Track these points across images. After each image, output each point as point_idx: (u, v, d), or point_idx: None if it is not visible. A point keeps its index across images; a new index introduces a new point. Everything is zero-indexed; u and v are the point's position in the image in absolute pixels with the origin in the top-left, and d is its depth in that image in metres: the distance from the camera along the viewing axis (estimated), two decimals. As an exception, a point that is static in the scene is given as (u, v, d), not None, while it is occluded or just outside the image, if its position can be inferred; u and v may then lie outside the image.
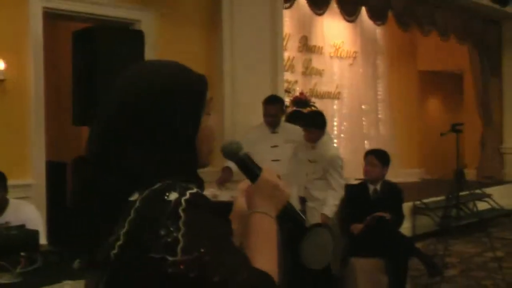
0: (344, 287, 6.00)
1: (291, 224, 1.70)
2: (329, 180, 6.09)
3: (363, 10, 10.55)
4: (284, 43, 10.47)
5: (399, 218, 6.04)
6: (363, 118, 12.50)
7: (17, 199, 4.92)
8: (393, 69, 13.11)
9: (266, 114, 6.27)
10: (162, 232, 1.34)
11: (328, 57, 11.78)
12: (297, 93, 9.85)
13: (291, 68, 10.97)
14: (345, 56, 12.08)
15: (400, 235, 5.92)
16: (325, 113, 11.10)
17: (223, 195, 6.09)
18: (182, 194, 1.38)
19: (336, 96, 11.85)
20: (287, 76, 10.64)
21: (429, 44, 13.13)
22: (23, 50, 5.91)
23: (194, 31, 7.44)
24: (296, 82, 10.97)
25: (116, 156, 1.45)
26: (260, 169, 1.64)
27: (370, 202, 6.08)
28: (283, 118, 6.58)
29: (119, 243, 1.38)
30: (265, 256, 1.50)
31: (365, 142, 12.27)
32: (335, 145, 6.15)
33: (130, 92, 1.49)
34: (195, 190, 1.42)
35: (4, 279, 3.69)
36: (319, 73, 11.57)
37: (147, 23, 6.83)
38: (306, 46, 11.34)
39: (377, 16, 10.29)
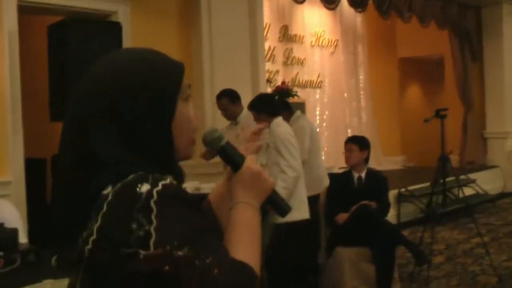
0: (330, 277, 5.95)
1: (276, 211, 1.66)
2: (279, 162, 5.53)
3: (343, -3, 10.49)
4: (265, 33, 10.42)
5: (385, 206, 5.99)
6: (345, 107, 12.47)
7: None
8: (373, 57, 13.09)
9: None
10: (134, 226, 1.29)
11: (309, 46, 11.74)
12: (279, 83, 9.77)
13: (272, 58, 10.92)
14: (326, 45, 12.05)
15: (386, 224, 5.86)
16: (307, 102, 11.21)
17: (206, 188, 6.03)
18: (154, 185, 1.32)
19: (318, 85, 11.82)
20: (268, 66, 10.59)
21: (409, 30, 13.10)
22: (-2, 44, 5.79)
23: (172, 22, 7.36)
24: (277, 72, 10.92)
25: (88, 149, 1.38)
26: (242, 158, 1.58)
27: (355, 191, 6.03)
28: (245, 109, 6.49)
29: (92, 238, 1.32)
30: (246, 247, 1.45)
31: (348, 130, 12.25)
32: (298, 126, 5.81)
33: (101, 82, 1.42)
34: (168, 181, 1.35)
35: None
36: (301, 62, 11.53)
37: (124, 14, 6.74)
38: (287, 36, 11.29)
39: (357, 4, 10.22)
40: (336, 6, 9.95)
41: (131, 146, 1.39)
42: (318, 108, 11.83)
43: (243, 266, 1.38)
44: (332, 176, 6.69)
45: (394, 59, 13.95)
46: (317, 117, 11.75)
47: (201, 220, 1.38)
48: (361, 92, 12.84)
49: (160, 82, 1.43)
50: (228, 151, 1.60)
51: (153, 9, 7.13)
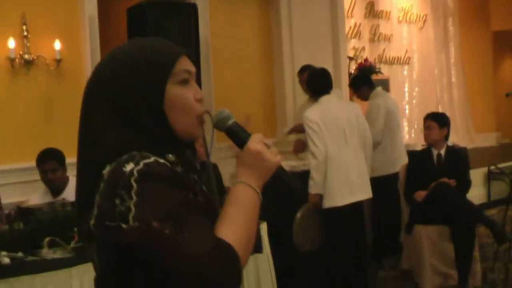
0: (409, 255, 5.89)
1: (287, 191, 1.66)
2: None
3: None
4: (350, 9, 10.33)
5: (465, 184, 5.86)
6: (436, 83, 12.20)
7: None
8: (465, 31, 12.71)
9: None
10: (117, 201, 1.40)
11: (396, 22, 11.52)
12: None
13: (358, 35, 10.80)
14: (414, 20, 11.79)
15: (466, 202, 5.73)
16: (395, 79, 11.04)
17: (285, 165, 6.06)
18: (136, 164, 1.42)
19: (406, 61, 11.60)
20: (354, 43, 10.52)
21: (504, 2, 12.62)
22: (79, 29, 5.99)
23: (250, 3, 7.38)
24: (363, 48, 10.80)
25: (91, 131, 1.53)
26: (248, 138, 1.60)
27: (434, 168, 5.92)
28: None
29: (94, 213, 1.45)
30: (236, 226, 1.48)
31: (439, 107, 11.97)
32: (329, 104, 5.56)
33: (101, 68, 1.59)
34: (151, 159, 1.45)
35: (58, 254, 3.77)
36: (387, 38, 11.34)
37: (201, -3, 6.80)
38: (373, 12, 11.12)
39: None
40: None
41: (129, 128, 1.51)
42: (406, 85, 11.62)
43: (222, 244, 1.42)
44: (411, 153, 6.58)
45: (487, 32, 13.47)
46: (406, 94, 11.56)
47: (182, 197, 1.44)
48: (452, 68, 12.52)
49: (147, 68, 1.53)
50: (234, 130, 1.63)
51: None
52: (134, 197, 1.39)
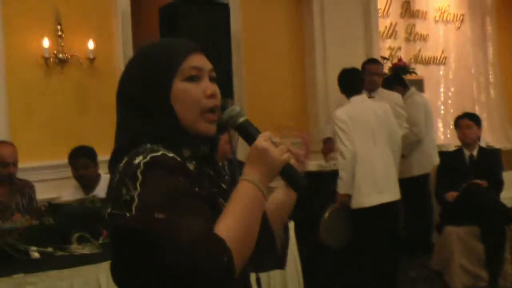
0: (440, 255, 5.87)
1: (292, 188, 1.66)
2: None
3: (468, -31, 10.14)
4: (386, 9, 10.26)
5: (497, 185, 5.81)
6: (472, 82, 12.04)
7: (108, 174, 5.09)
8: (503, 29, 12.51)
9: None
10: (124, 191, 1.50)
11: (432, 21, 11.39)
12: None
13: (394, 34, 10.71)
14: (451, 20, 11.64)
15: (498, 203, 5.68)
16: (430, 79, 10.95)
17: (312, 165, 6.08)
18: (144, 157, 1.51)
19: (442, 61, 11.46)
20: (390, 42, 10.43)
21: (543, 1, 12.41)
22: (112, 29, 6.07)
23: (283, 1, 7.39)
24: (399, 48, 10.71)
25: (116, 126, 1.68)
26: (258, 134, 1.62)
27: (466, 169, 5.89)
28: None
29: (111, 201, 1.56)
30: (232, 221, 1.51)
31: (476, 107, 11.82)
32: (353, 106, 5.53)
33: (123, 71, 1.72)
34: (159, 153, 1.53)
35: (86, 249, 3.84)
36: (423, 38, 11.21)
37: (235, -5, 6.84)
38: (409, 11, 11.02)
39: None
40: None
41: (143, 122, 1.62)
42: (442, 85, 11.50)
43: (212, 236, 1.46)
44: (443, 154, 6.56)
45: (526, 32, 13.26)
46: (442, 94, 11.43)
47: (182, 187, 1.50)
48: (490, 67, 12.33)
49: (156, 65, 1.63)
50: (244, 128, 1.64)
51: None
52: (138, 188, 1.48)
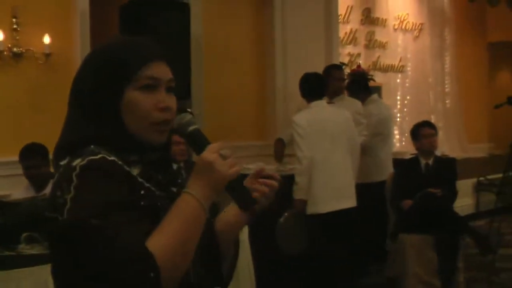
0: (394, 263, 5.88)
1: (238, 205, 1.61)
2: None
3: (428, -21, 10.25)
4: (346, 15, 10.31)
5: (452, 194, 5.86)
6: (429, 91, 12.19)
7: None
8: (461, 40, 12.68)
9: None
10: (58, 194, 1.46)
11: (392, 30, 11.50)
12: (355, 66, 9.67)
13: (354, 41, 10.77)
14: (410, 28, 11.77)
15: (452, 212, 5.73)
16: (388, 86, 11.03)
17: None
18: (82, 160, 1.47)
19: (400, 69, 11.58)
20: (350, 49, 10.49)
21: (500, 14, 12.61)
22: (70, 24, 5.93)
23: (244, 4, 7.37)
24: (358, 55, 10.78)
25: (64, 124, 1.62)
26: (207, 145, 1.56)
27: (422, 177, 5.92)
28: None
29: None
30: (166, 235, 1.46)
31: (431, 116, 11.95)
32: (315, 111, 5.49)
33: (78, 69, 1.65)
34: (98, 156, 1.48)
35: (35, 250, 3.74)
36: (383, 45, 11.31)
37: (195, -5, 6.77)
38: (369, 18, 11.10)
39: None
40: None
41: (89, 124, 1.56)
42: (399, 93, 11.61)
43: (141, 251, 1.41)
44: (398, 162, 6.59)
45: (483, 43, 13.45)
46: (398, 102, 11.55)
47: (117, 196, 1.45)
48: (447, 77, 12.50)
49: (109, 70, 1.56)
50: (194, 137, 1.59)
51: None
52: (72, 191, 1.43)
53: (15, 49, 5.59)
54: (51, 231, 1.49)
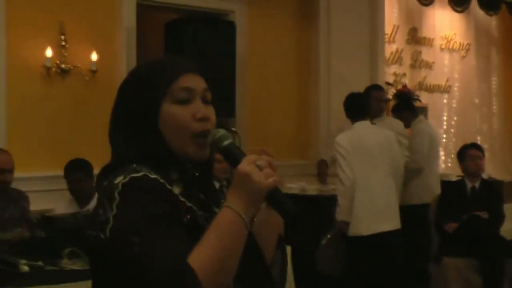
0: (436, 286, 5.78)
1: (279, 214, 1.57)
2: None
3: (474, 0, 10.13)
4: (392, 35, 10.24)
5: (498, 218, 5.73)
6: (475, 113, 12.02)
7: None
8: (509, 61, 12.50)
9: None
10: (100, 212, 1.47)
11: (438, 49, 11.39)
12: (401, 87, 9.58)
13: (399, 61, 10.68)
14: (457, 48, 11.63)
15: (497, 236, 5.61)
16: (434, 107, 10.91)
17: (312, 189, 6.04)
18: (124, 177, 1.48)
19: (446, 89, 11.44)
20: (395, 68, 10.40)
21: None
22: (116, 41, 6.04)
23: (288, 22, 7.39)
24: (404, 74, 10.68)
25: (109, 142, 1.65)
26: (243, 158, 1.53)
27: (468, 200, 5.81)
28: None
29: None
30: (207, 249, 1.45)
31: (478, 137, 11.78)
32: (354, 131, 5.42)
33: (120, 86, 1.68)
34: (140, 174, 1.50)
35: (77, 265, 3.76)
36: (429, 65, 11.20)
37: (240, 13, 6.82)
38: (416, 38, 11.00)
39: (488, 6, 9.81)
40: (464, 9, 9.61)
41: (134, 142, 1.58)
42: (445, 114, 11.46)
43: (183, 267, 1.40)
44: (444, 183, 6.48)
45: (532, 63, 13.24)
46: (444, 123, 11.40)
47: (159, 213, 1.45)
48: (494, 98, 12.32)
49: (144, 88, 1.59)
50: (229, 151, 1.57)
51: (270, 8, 7.17)
52: (114, 209, 1.45)
53: (62, 66, 5.69)
54: (93, 248, 1.50)
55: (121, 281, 1.44)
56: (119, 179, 1.48)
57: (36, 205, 5.03)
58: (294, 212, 1.55)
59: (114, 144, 1.63)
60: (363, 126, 5.43)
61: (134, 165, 1.53)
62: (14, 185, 4.88)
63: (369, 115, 5.68)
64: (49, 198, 5.28)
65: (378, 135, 5.47)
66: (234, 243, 1.48)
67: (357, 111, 5.49)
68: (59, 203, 5.03)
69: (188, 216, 1.54)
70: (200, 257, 1.42)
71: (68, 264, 3.75)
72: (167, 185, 1.54)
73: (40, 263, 3.70)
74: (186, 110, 1.57)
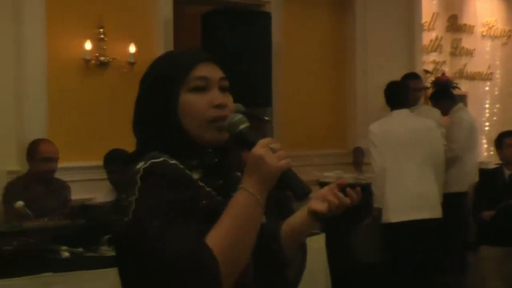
0: (474, 275, 5.77)
1: (293, 194, 1.62)
2: None
3: (516, -15, 10.01)
4: (432, 22, 10.15)
5: (536, 206, 5.68)
6: (517, 100, 11.85)
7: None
8: (552, 47, 12.30)
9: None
10: (123, 196, 1.54)
11: (479, 36, 11.25)
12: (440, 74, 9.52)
13: (439, 48, 10.59)
14: (498, 35, 11.49)
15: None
16: (475, 94, 10.80)
17: (347, 177, 6.06)
18: (145, 163, 1.55)
19: (488, 77, 11.30)
20: (434, 56, 10.31)
21: None
22: (154, 34, 6.13)
23: (324, 12, 7.40)
24: (444, 62, 10.59)
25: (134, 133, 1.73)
26: (258, 141, 1.59)
27: (505, 188, 5.76)
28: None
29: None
30: (223, 231, 1.51)
31: (520, 125, 11.62)
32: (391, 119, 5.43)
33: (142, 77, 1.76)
34: (160, 160, 1.57)
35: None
36: (469, 53, 11.08)
37: (276, 4, 6.85)
38: (456, 25, 10.89)
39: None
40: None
41: (153, 130, 1.66)
42: (487, 101, 11.33)
43: (201, 248, 1.46)
44: (482, 171, 6.44)
45: None
46: (486, 111, 11.27)
47: (177, 197, 1.51)
48: (537, 85, 12.13)
49: (162, 78, 1.66)
50: (244, 135, 1.62)
51: (306, -1, 7.21)
52: (136, 193, 1.51)
53: (101, 58, 5.81)
54: (116, 232, 1.56)
55: (143, 262, 1.49)
56: (140, 165, 1.55)
57: (77, 194, 5.16)
58: (307, 193, 1.60)
59: (137, 133, 1.71)
60: (400, 115, 5.40)
61: (157, 152, 1.60)
62: (55, 174, 5.01)
63: (407, 104, 5.64)
64: (90, 188, 5.41)
65: (415, 124, 5.44)
66: (249, 223, 1.54)
67: (395, 100, 5.48)
68: (99, 193, 5.15)
69: (206, 201, 1.59)
70: (217, 237, 1.49)
71: (107, 250, 3.84)
72: (186, 171, 1.61)
73: (80, 249, 3.82)
74: (203, 98, 1.64)
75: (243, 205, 1.54)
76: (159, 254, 1.45)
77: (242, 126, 1.63)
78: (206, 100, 1.64)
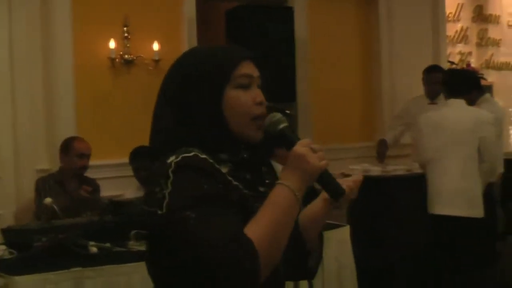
0: (503, 266, 5.74)
1: (329, 194, 1.68)
2: None
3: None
4: (457, 13, 10.08)
5: None
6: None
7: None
8: None
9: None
10: (157, 189, 1.57)
11: (505, 26, 11.15)
12: (472, 65, 9.46)
13: (465, 39, 10.51)
14: (525, 24, 11.37)
15: None
16: (503, 85, 10.70)
17: (375, 171, 6.06)
18: (177, 157, 1.59)
19: (515, 66, 11.21)
20: (460, 47, 10.23)
21: None
22: (177, 30, 6.16)
23: (348, 4, 7.37)
24: (470, 53, 10.51)
25: (154, 125, 1.77)
26: (297, 141, 1.65)
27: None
28: None
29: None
30: (262, 224, 1.55)
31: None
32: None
33: (167, 76, 1.79)
34: (191, 154, 1.60)
35: (143, 246, 3.86)
36: (496, 43, 10.98)
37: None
38: (481, 16, 10.80)
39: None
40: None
41: (184, 127, 1.68)
42: (516, 92, 11.23)
43: (241, 238, 1.49)
44: (508, 162, 6.39)
45: None
46: (514, 101, 11.17)
47: (210, 189, 1.55)
48: None
49: (209, 74, 1.69)
50: (284, 134, 1.68)
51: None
52: (169, 187, 1.55)
53: (126, 56, 5.88)
54: (149, 224, 1.62)
55: (177, 254, 1.54)
56: (172, 159, 1.59)
57: (106, 192, 5.23)
58: (341, 194, 1.68)
59: (163, 126, 1.72)
60: (453, 105, 5.19)
61: (185, 148, 1.62)
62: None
63: (464, 95, 5.38)
64: (118, 185, 5.47)
65: (466, 117, 5.18)
66: (287, 218, 1.59)
67: (449, 89, 5.29)
68: (127, 189, 5.23)
69: (235, 194, 1.63)
70: (256, 229, 1.53)
71: (134, 245, 3.90)
72: (215, 165, 1.64)
73: (108, 244, 3.88)
74: (247, 95, 1.70)
75: (284, 201, 1.59)
76: (198, 246, 1.48)
77: (282, 125, 1.69)
78: (250, 97, 1.70)
